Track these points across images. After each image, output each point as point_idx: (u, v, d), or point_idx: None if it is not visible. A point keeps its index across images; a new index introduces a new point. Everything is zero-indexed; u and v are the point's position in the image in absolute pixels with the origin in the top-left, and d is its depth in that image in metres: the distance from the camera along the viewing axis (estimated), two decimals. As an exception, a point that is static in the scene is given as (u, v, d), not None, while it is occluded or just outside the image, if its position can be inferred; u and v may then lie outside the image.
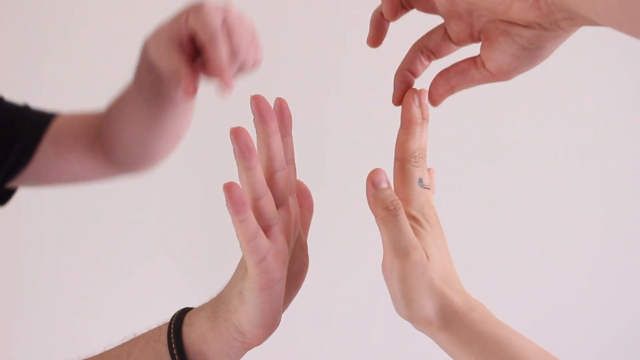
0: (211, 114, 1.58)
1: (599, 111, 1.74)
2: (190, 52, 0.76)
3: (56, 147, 0.98)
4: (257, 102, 0.57)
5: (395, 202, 0.57)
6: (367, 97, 1.70)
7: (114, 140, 0.97)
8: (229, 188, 0.52)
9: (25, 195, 1.65)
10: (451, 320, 0.57)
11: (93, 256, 1.68)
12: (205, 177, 1.67)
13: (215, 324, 0.57)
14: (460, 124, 1.69)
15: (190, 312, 0.59)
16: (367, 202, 0.58)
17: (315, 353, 1.72)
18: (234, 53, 0.74)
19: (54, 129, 0.98)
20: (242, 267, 0.57)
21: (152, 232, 1.69)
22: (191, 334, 0.58)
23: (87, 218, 1.68)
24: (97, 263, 1.68)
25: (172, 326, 0.58)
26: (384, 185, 0.58)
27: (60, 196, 1.66)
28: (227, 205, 0.52)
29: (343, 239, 1.69)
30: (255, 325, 0.56)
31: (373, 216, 0.57)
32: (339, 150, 1.71)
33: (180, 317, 0.59)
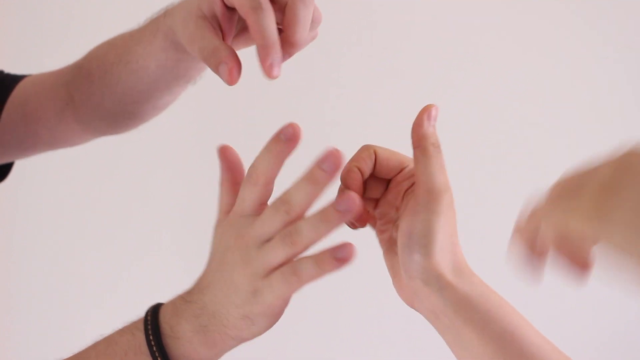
0: (216, 109, 1.58)
1: (597, 109, 1.75)
2: (227, 28, 0.64)
3: (26, 118, 0.87)
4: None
5: (439, 141, 0.58)
6: (368, 98, 1.70)
7: (92, 108, 0.84)
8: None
9: (24, 193, 1.65)
10: (460, 276, 0.56)
11: (93, 255, 1.68)
12: (208, 175, 1.67)
13: (208, 337, 0.56)
14: (458, 122, 1.69)
15: (168, 322, 0.58)
16: (412, 131, 0.58)
17: (317, 352, 1.72)
18: (289, 23, 0.60)
19: (21, 98, 0.87)
20: (240, 289, 0.56)
21: (153, 230, 1.69)
22: (179, 347, 0.57)
23: (87, 214, 1.68)
24: (97, 262, 1.67)
25: (151, 337, 0.57)
26: (434, 124, 0.58)
27: (59, 194, 1.66)
28: (338, 262, 0.53)
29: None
30: (259, 334, 0.57)
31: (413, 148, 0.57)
32: (343, 150, 1.71)
33: (156, 327, 0.57)
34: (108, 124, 0.86)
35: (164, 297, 0.62)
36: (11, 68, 0.94)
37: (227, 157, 0.62)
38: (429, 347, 1.58)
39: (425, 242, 0.55)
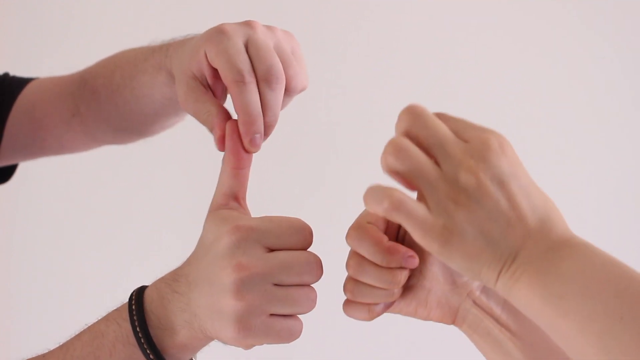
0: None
1: (594, 109, 1.75)
2: (217, 89, 0.63)
3: (32, 124, 0.87)
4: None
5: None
6: (365, 99, 1.70)
7: (100, 123, 0.85)
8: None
9: (24, 193, 1.66)
10: None
11: (93, 255, 1.68)
12: (209, 174, 1.67)
13: (193, 333, 0.56)
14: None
15: (155, 313, 0.57)
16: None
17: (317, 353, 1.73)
18: (268, 83, 0.59)
19: (28, 103, 0.87)
20: (224, 317, 0.54)
21: (153, 230, 1.69)
22: (167, 338, 0.57)
23: (87, 214, 1.68)
24: (97, 262, 1.68)
25: (138, 330, 0.56)
26: None
27: (59, 194, 1.67)
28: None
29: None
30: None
31: None
32: (342, 150, 1.72)
33: (142, 317, 0.57)
34: (115, 137, 0.88)
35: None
36: (11, 68, 0.95)
37: (235, 137, 0.59)
38: (428, 347, 1.59)
39: None
